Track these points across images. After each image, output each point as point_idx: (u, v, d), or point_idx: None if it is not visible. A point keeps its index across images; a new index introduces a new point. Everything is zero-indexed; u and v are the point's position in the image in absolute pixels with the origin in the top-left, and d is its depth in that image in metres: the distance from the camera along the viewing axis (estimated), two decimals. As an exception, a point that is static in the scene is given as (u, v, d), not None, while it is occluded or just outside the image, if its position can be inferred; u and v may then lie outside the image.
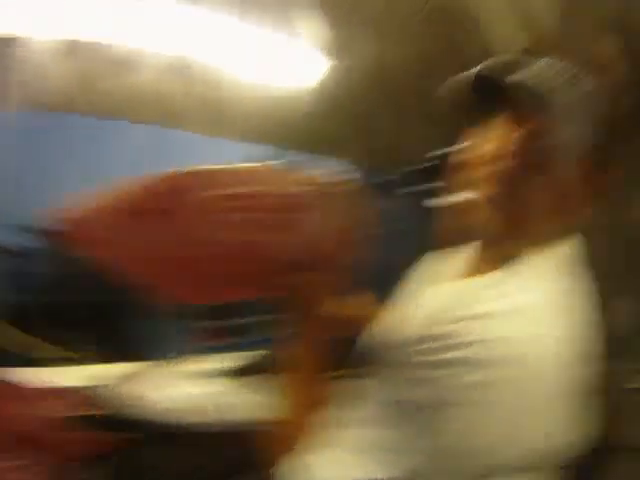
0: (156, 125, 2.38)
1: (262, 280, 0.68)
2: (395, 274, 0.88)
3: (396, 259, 1.13)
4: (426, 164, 2.24)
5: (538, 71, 0.65)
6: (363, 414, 0.65)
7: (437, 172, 0.73)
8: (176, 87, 2.11)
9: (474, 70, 0.66)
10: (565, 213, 0.67)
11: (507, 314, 0.59)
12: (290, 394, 0.70)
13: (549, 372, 0.57)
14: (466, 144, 0.71)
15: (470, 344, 0.57)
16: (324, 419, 0.66)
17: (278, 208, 0.63)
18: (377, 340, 0.77)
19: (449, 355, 0.57)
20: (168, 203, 0.61)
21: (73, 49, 1.79)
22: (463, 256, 0.77)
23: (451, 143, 0.74)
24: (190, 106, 2.20)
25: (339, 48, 2.14)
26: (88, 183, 0.65)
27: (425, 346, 0.60)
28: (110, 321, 2.01)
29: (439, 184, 0.73)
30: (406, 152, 2.66)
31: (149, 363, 1.72)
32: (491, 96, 0.66)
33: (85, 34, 1.79)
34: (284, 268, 0.66)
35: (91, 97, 2.09)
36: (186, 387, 1.58)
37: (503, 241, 0.67)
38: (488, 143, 0.67)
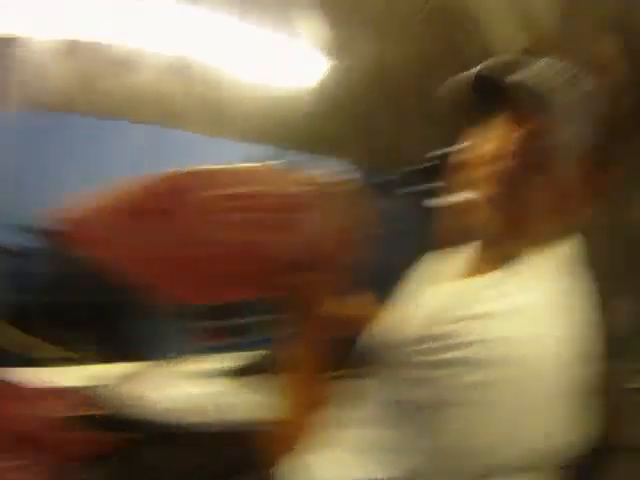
0: (156, 125, 2.39)
1: (262, 280, 0.68)
2: (395, 274, 0.88)
3: (396, 259, 1.13)
4: (426, 164, 2.24)
5: (538, 71, 0.65)
6: (363, 414, 0.65)
7: (437, 172, 0.73)
8: (176, 87, 2.11)
9: (474, 70, 0.66)
10: (565, 213, 0.67)
11: (507, 314, 0.59)
12: (290, 394, 0.70)
13: (549, 372, 0.57)
14: (466, 144, 0.71)
15: (470, 344, 0.57)
16: (324, 419, 0.66)
17: (278, 208, 0.63)
18: (377, 340, 0.77)
19: (449, 355, 0.57)
20: (168, 203, 0.61)
21: (73, 49, 1.79)
22: (463, 256, 0.77)
23: (451, 143, 0.74)
24: (190, 106, 2.21)
25: (339, 48, 2.14)
26: (88, 183, 0.65)
27: (425, 346, 0.60)
28: (110, 321, 2.01)
29: (439, 184, 0.73)
30: (406, 152, 2.65)
31: (149, 363, 1.72)
32: (491, 96, 0.66)
33: (85, 34, 1.79)
34: (284, 268, 0.66)
35: (91, 97, 2.09)
36: (186, 387, 1.58)
37: (503, 241, 0.67)
38: (488, 143, 0.67)
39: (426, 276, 0.82)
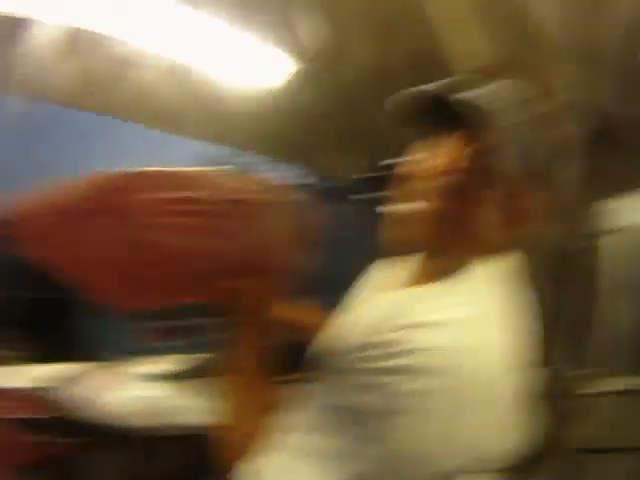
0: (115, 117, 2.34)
1: (200, 284, 0.68)
2: (345, 280, 0.89)
3: (347, 265, 1.14)
4: (378, 172, 2.26)
5: (488, 92, 0.67)
6: (310, 419, 0.65)
7: (388, 181, 0.75)
8: (137, 81, 2.07)
9: (426, 87, 0.68)
10: (507, 228, 0.70)
11: (447, 324, 0.60)
12: (233, 398, 0.70)
13: (487, 381, 0.59)
14: (414, 156, 0.73)
15: (410, 352, 0.58)
16: (272, 424, 0.67)
17: (220, 214, 0.63)
18: (323, 346, 0.78)
19: (390, 363, 0.59)
20: (108, 204, 0.60)
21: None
22: (407, 265, 0.79)
23: (403, 153, 0.75)
24: (151, 101, 2.17)
25: (303, 52, 2.15)
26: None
27: (367, 354, 0.61)
28: (57, 320, 1.95)
29: (388, 193, 0.74)
30: (361, 158, 2.67)
31: (97, 364, 1.68)
32: (441, 113, 0.68)
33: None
34: (223, 273, 0.66)
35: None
36: (135, 390, 1.55)
37: (445, 253, 0.69)
38: (435, 157, 0.69)
39: (373, 283, 0.84)
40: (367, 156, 2.52)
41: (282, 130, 2.50)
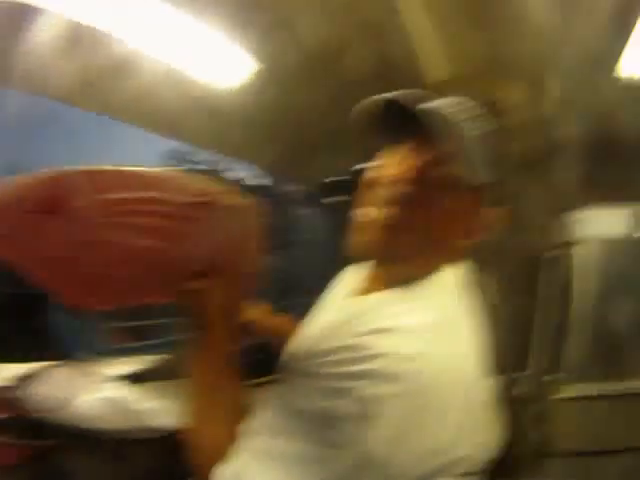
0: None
1: (163, 286, 0.67)
2: (317, 284, 0.90)
3: (319, 269, 1.15)
4: (345, 176, 2.27)
5: (445, 104, 0.68)
6: (276, 423, 0.66)
7: (354, 186, 0.75)
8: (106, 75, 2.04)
9: (387, 95, 0.68)
10: (458, 239, 0.71)
11: (409, 330, 0.62)
12: (197, 400, 0.69)
13: (449, 386, 0.61)
14: (376, 163, 0.74)
15: (374, 357, 0.59)
16: (239, 427, 0.67)
17: (182, 216, 0.63)
18: (290, 349, 0.79)
19: (354, 368, 0.60)
20: (60, 203, 0.58)
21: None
22: (371, 271, 0.79)
23: (370, 159, 0.76)
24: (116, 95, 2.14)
25: (265, 51, 2.13)
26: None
27: (332, 358, 0.63)
28: (26, 318, 1.92)
29: (355, 198, 0.74)
30: (328, 162, 2.65)
31: (66, 363, 1.66)
32: (399, 122, 0.69)
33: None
34: (186, 274, 0.66)
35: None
36: (105, 391, 1.52)
37: (404, 260, 0.70)
38: (390, 167, 0.70)
39: (343, 288, 0.85)
40: (335, 159, 2.51)
41: (244, 130, 2.47)
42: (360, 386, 0.58)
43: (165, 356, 1.70)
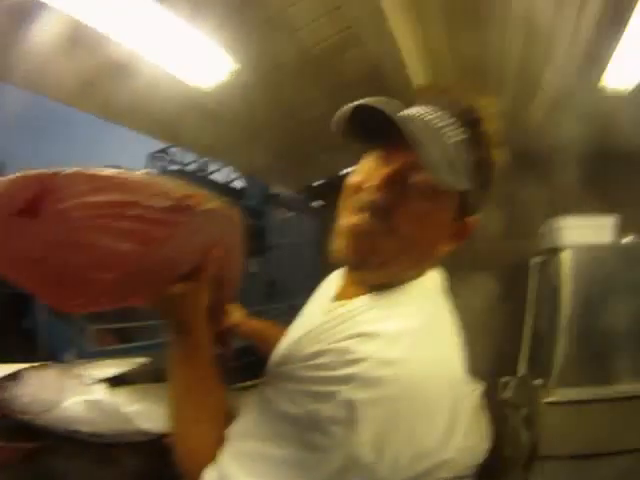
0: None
1: (143, 288, 0.67)
2: (302, 288, 0.90)
3: (303, 273, 1.15)
4: (329, 180, 2.27)
5: (425, 111, 0.69)
6: (262, 427, 0.65)
7: (337, 190, 0.75)
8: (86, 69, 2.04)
9: (366, 100, 0.66)
10: (437, 245, 0.72)
11: (390, 335, 0.62)
12: (180, 403, 0.69)
13: (426, 391, 0.61)
14: (356, 169, 0.74)
15: (356, 362, 0.59)
16: (225, 430, 0.67)
17: (154, 219, 0.62)
18: (275, 353, 0.78)
19: (338, 372, 0.60)
20: (41, 205, 0.58)
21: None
22: (350, 276, 0.79)
23: (352, 163, 0.76)
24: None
25: (245, 52, 2.12)
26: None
27: (317, 362, 0.63)
28: (14, 319, 1.91)
29: (337, 203, 0.74)
30: (312, 165, 2.62)
31: (53, 365, 1.65)
32: (380, 128, 0.68)
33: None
34: (166, 278, 0.66)
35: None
36: (92, 393, 1.52)
37: (381, 267, 0.70)
38: (369, 172, 0.70)
39: (327, 292, 0.84)
40: (319, 163, 2.50)
41: (226, 131, 2.45)
42: (343, 390, 0.58)
43: (152, 358, 1.69)
